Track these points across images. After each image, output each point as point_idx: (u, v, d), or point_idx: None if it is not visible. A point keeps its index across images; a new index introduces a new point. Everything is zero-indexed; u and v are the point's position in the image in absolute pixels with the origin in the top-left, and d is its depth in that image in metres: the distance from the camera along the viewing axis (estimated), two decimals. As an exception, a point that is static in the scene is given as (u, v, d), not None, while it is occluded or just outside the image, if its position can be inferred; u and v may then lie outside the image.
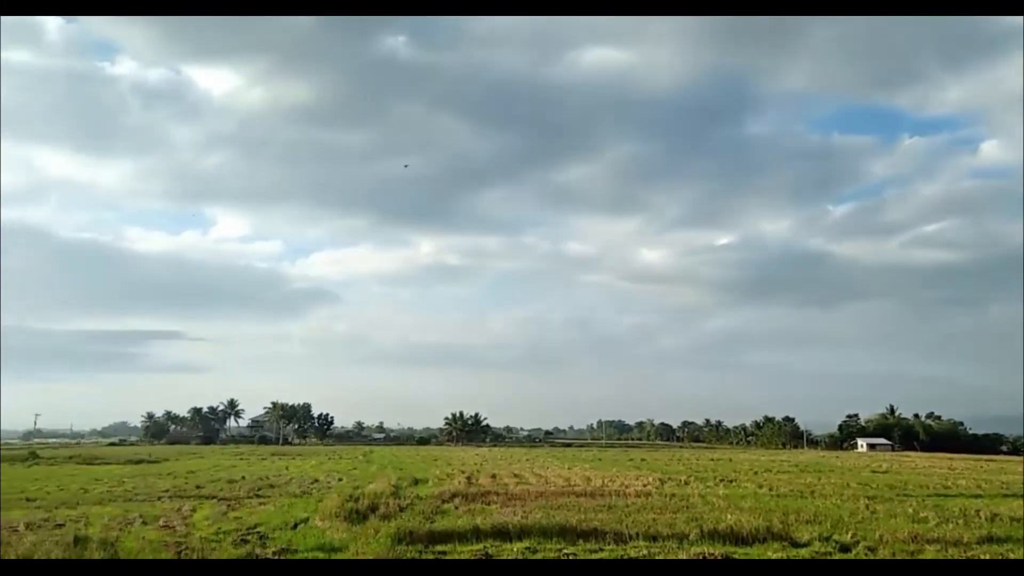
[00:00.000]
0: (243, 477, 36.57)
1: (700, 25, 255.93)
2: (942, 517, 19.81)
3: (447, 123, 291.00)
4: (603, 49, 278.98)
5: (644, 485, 30.15)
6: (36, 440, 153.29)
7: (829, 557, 13.94)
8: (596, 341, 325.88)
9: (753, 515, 19.02)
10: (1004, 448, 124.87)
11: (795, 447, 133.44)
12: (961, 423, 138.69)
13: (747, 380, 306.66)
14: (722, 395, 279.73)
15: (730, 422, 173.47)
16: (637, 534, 15.73)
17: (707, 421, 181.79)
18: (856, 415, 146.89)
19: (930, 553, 14.29)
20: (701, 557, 13.50)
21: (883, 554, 14.17)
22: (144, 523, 18.68)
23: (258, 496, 26.46)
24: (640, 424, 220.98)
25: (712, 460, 62.31)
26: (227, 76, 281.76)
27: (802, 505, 22.90)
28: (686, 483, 32.22)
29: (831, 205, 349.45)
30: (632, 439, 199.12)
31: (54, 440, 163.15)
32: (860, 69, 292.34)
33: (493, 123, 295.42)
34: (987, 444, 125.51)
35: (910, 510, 21.74)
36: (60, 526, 17.63)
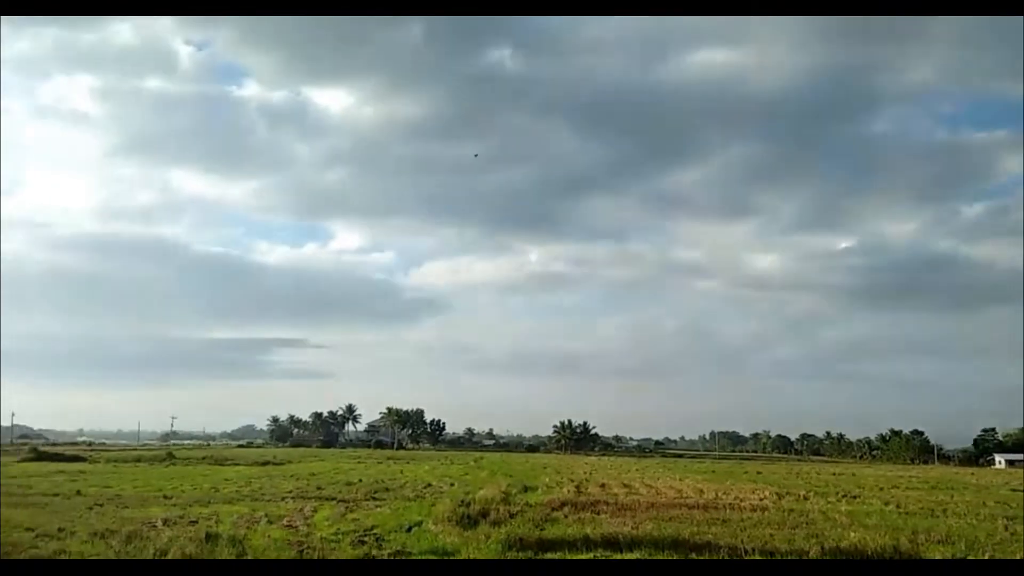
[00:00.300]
0: (360, 480, 37.87)
1: (811, 23, 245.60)
2: (1095, 542, 18.17)
3: (553, 131, 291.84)
4: (710, 51, 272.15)
5: (760, 499, 29.15)
6: (172, 442, 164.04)
7: (964, 581, 13.08)
8: (708, 350, 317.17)
9: (879, 533, 18.05)
10: None
11: (924, 462, 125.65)
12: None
13: (871, 391, 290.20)
14: (843, 407, 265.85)
15: (853, 435, 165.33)
16: (753, 549, 15.25)
17: (827, 434, 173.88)
18: (993, 429, 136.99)
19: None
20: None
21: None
22: (269, 522, 19.65)
23: (374, 499, 27.33)
24: (755, 436, 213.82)
25: (833, 475, 59.50)
26: (343, 95, 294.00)
27: (933, 524, 21.51)
28: (805, 498, 30.93)
29: (962, 205, 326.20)
30: (747, 451, 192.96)
31: (188, 442, 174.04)
32: (989, 59, 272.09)
33: (599, 129, 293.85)
34: None
35: (1057, 533, 20.05)
36: (193, 523, 18.78)
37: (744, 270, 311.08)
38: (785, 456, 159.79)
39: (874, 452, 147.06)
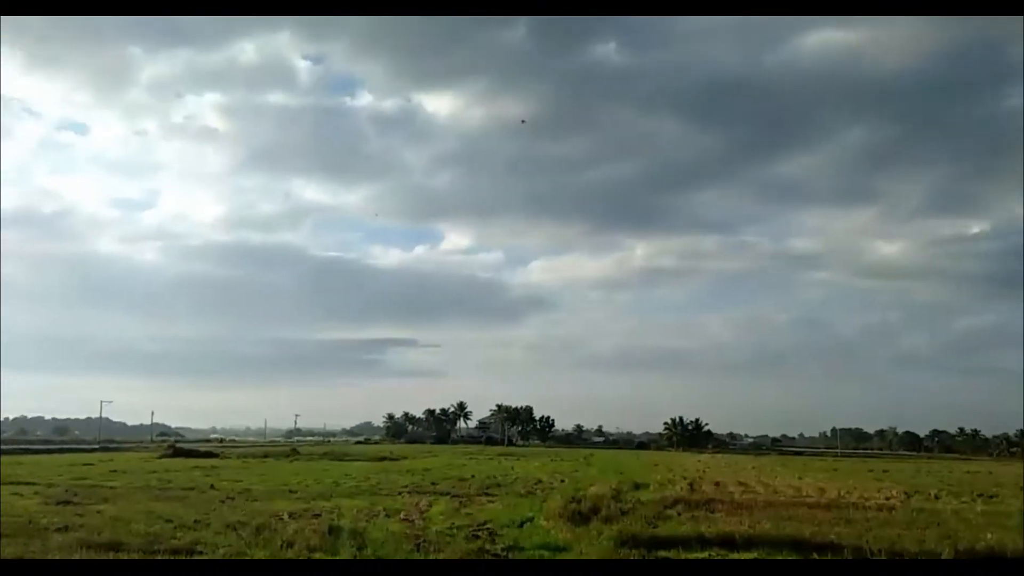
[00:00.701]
0: (472, 476, 38.58)
1: None
2: None
3: (658, 124, 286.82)
4: (824, 32, 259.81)
5: (887, 498, 27.74)
6: (296, 438, 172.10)
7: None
8: (827, 343, 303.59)
9: (1020, 535, 16.86)
10: None
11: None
12: None
13: (1008, 384, 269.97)
14: (978, 401, 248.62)
15: (988, 431, 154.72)
16: (880, 550, 14.57)
17: (960, 430, 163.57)
18: None
19: None
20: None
21: None
22: (387, 516, 20.33)
23: (487, 494, 27.79)
24: (881, 432, 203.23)
25: (967, 473, 55.88)
26: (450, 99, 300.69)
27: (1084, 528, 19.89)
28: (936, 497, 29.24)
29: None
30: (872, 449, 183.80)
31: (310, 438, 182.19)
32: None
33: (706, 120, 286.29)
34: None
35: None
36: (316, 516, 19.65)
37: (864, 259, 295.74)
38: (913, 454, 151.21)
39: (1013, 449, 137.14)
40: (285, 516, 19.47)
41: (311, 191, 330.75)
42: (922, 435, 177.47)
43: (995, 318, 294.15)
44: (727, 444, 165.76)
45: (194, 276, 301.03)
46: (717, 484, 33.92)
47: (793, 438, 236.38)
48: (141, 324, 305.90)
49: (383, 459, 58.22)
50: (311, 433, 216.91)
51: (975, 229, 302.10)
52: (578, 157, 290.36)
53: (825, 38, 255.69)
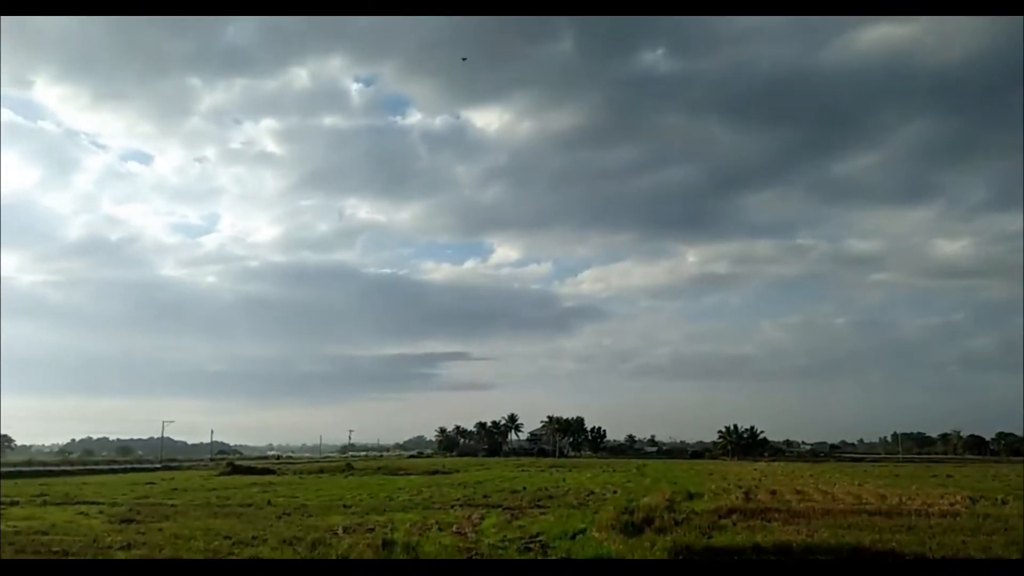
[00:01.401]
0: (524, 488, 38.55)
1: None
2: None
3: (709, 128, 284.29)
4: (880, 26, 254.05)
5: (951, 504, 26.87)
6: (350, 453, 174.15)
7: None
8: (887, 346, 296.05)
9: (1094, 542, 16.21)
10: None
11: None
12: None
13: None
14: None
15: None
16: (943, 557, 14.17)
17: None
18: None
19: None
20: None
21: None
22: (439, 529, 20.46)
23: (538, 506, 27.74)
24: (944, 436, 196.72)
25: (1038, 477, 53.74)
26: (499, 114, 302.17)
27: None
28: (1004, 502, 28.19)
29: None
30: (935, 453, 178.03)
31: (364, 453, 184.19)
32: None
33: (758, 122, 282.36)
34: None
35: None
36: (371, 530, 19.88)
37: (926, 258, 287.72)
38: (979, 457, 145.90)
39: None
40: (340, 531, 19.74)
41: (364, 210, 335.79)
42: (988, 438, 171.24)
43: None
44: (783, 452, 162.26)
45: (252, 297, 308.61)
46: (773, 493, 33.30)
47: (852, 444, 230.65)
48: (202, 346, 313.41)
49: (435, 472, 58.53)
50: (365, 448, 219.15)
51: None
52: (627, 165, 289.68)
53: (883, 32, 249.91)
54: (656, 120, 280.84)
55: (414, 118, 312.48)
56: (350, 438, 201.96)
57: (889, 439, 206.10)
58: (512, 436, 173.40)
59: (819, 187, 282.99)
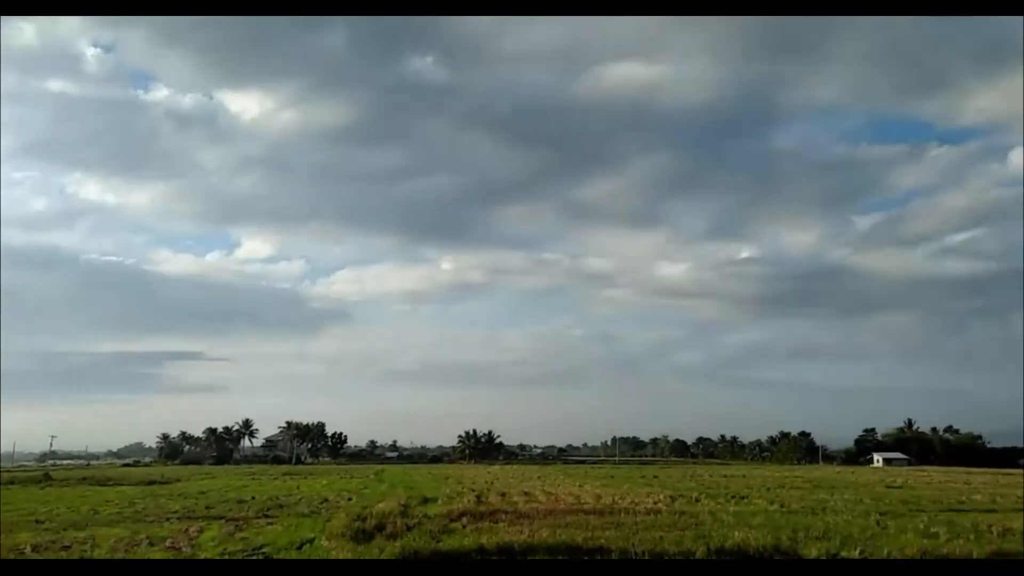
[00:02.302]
0: (253, 497, 36.60)
1: (726, 38, 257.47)
2: (953, 533, 19.55)
3: (471, 141, 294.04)
4: (628, 64, 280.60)
5: (655, 502, 29.91)
6: (51, 462, 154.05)
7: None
8: (614, 357, 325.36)
9: (762, 532, 18.85)
10: (1022, 462, 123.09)
11: (810, 462, 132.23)
12: (979, 436, 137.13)
13: (765, 395, 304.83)
14: (739, 410, 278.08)
15: (746, 438, 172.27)
16: (643, 552, 15.62)
17: (722, 437, 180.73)
18: (873, 430, 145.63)
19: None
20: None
21: (891, 571, 13.98)
22: (151, 544, 18.70)
23: (266, 516, 26.45)
24: (655, 441, 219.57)
25: (725, 476, 61.78)
26: (258, 100, 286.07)
27: (812, 522, 22.64)
28: (697, 500, 31.96)
29: (856, 216, 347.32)
30: (646, 456, 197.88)
31: (68, 462, 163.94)
32: (889, 78, 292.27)
33: (517, 140, 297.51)
34: (1005, 458, 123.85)
35: (921, 526, 21.45)
36: (66, 548, 17.68)
37: (652, 279, 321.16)
38: (682, 460, 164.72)
39: (764, 454, 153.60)
40: (27, 550, 17.31)
41: (91, 189, 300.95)
42: (690, 442, 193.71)
43: (759, 334, 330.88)
44: (517, 455, 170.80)
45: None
46: (503, 495, 34.79)
47: (578, 447, 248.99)
48: None
49: (152, 483, 53.66)
50: (70, 456, 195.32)
51: (745, 253, 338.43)
52: (391, 168, 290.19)
53: (627, 70, 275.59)
54: (422, 127, 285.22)
55: (160, 93, 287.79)
56: (51, 445, 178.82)
57: (609, 443, 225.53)
58: (245, 443, 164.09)
59: (566, 206, 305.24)
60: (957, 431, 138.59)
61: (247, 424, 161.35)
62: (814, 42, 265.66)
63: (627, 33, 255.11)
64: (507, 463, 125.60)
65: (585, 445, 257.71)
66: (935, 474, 70.74)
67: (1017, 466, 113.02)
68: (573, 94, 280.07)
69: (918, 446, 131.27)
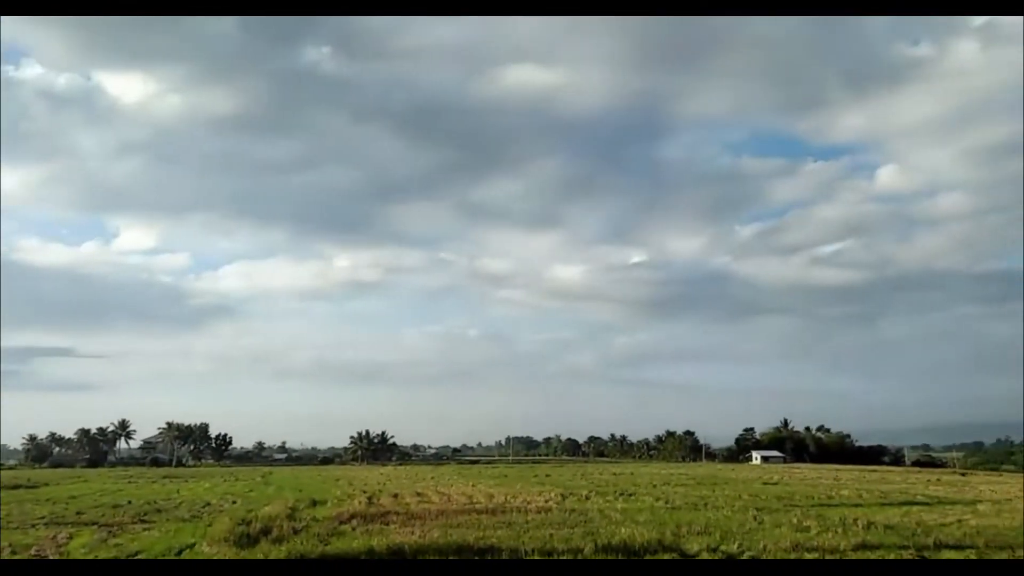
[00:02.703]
0: (129, 502, 34.75)
1: (620, 47, 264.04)
2: (823, 526, 20.76)
3: (369, 136, 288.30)
4: (528, 68, 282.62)
5: (546, 501, 30.35)
6: None
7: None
8: (509, 357, 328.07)
9: (647, 528, 19.46)
10: (886, 459, 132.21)
11: (694, 460, 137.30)
12: (848, 435, 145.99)
13: (653, 395, 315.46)
14: (629, 410, 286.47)
15: (635, 436, 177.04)
16: (532, 550, 15.81)
17: (612, 436, 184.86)
18: (752, 429, 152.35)
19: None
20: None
21: (765, 563, 14.68)
22: (14, 552, 17.49)
23: (143, 521, 25.19)
24: (548, 440, 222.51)
25: (614, 474, 63.34)
26: (142, 83, 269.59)
27: (695, 517, 23.55)
28: (587, 498, 32.62)
29: (738, 225, 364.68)
30: (540, 455, 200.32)
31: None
32: (770, 95, 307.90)
33: (416, 137, 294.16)
34: (871, 455, 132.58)
35: (794, 520, 22.69)
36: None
37: (547, 281, 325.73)
38: (574, 458, 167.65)
39: (651, 452, 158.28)
40: None
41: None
42: (581, 441, 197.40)
43: (647, 336, 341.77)
44: (411, 456, 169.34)
45: None
46: (395, 496, 34.46)
47: (472, 448, 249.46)
48: None
49: (17, 487, 50.04)
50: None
51: (636, 258, 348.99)
52: (284, 160, 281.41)
53: (527, 74, 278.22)
54: (317, 119, 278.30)
55: (32, 71, 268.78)
56: None
57: (503, 443, 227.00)
58: (122, 444, 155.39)
59: (464, 206, 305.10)
60: (828, 430, 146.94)
61: (123, 425, 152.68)
62: (703, 56, 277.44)
63: (526, 35, 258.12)
64: (400, 464, 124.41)
65: (480, 445, 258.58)
66: (808, 471, 74.90)
67: (881, 463, 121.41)
68: (473, 93, 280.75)
69: (793, 444, 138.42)
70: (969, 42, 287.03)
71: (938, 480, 55.77)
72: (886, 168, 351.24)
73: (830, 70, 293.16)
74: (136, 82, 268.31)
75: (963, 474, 76.39)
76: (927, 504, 31.06)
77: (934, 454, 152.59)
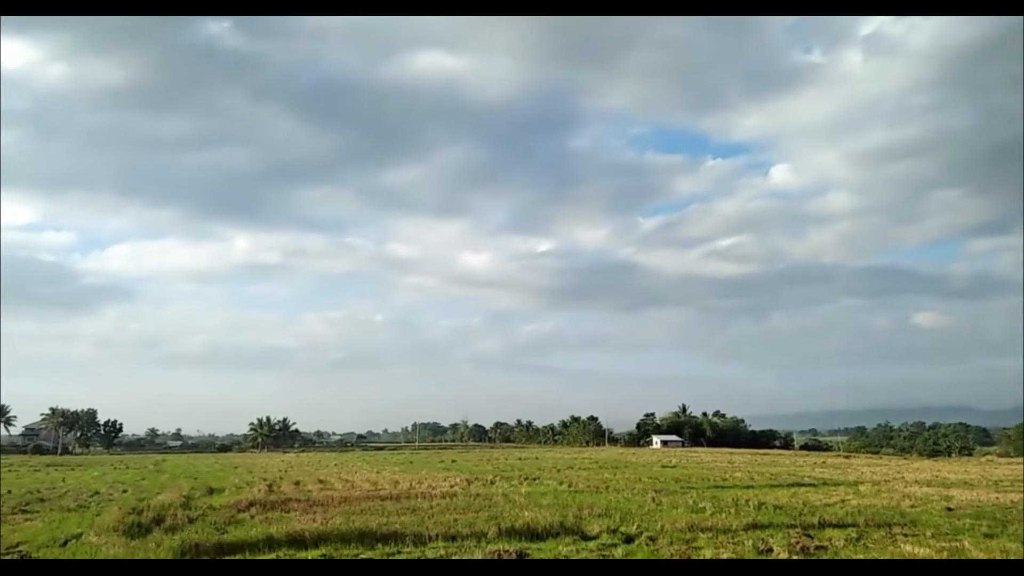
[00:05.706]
0: (9, 491, 32.74)
1: (525, 39, 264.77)
2: (717, 507, 21.64)
3: (270, 116, 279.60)
4: (435, 54, 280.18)
5: (451, 486, 30.42)
6: None
7: (614, 548, 14.69)
8: (416, 344, 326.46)
9: (550, 511, 19.77)
10: (777, 443, 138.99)
11: (598, 445, 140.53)
12: (742, 420, 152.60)
13: (558, 381, 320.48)
14: (535, 396, 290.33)
15: (540, 422, 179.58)
16: (437, 535, 15.80)
17: (518, 421, 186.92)
18: (652, 414, 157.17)
19: (703, 540, 15.48)
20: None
21: (662, 543, 15.14)
22: None
23: (24, 512, 23.79)
24: (454, 426, 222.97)
25: (520, 459, 64.10)
26: (22, 48, 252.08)
27: (596, 500, 24.11)
28: (492, 482, 32.88)
29: (641, 218, 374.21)
30: (447, 441, 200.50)
31: None
32: (674, 93, 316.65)
33: (319, 119, 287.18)
34: (763, 439, 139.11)
35: (690, 501, 23.56)
36: None
37: (455, 268, 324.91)
38: (480, 444, 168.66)
39: (556, 437, 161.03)
40: None
41: None
42: (488, 427, 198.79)
43: (553, 324, 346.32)
44: (314, 443, 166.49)
45: None
46: (297, 483, 33.78)
47: (378, 434, 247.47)
48: None
49: None
50: None
51: (543, 247, 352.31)
52: (179, 138, 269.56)
53: (434, 60, 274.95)
54: (215, 96, 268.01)
55: None
56: None
57: (410, 429, 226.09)
58: (1, 431, 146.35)
59: (370, 191, 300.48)
60: (724, 415, 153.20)
61: (2, 411, 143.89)
62: (610, 54, 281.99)
63: (435, 20, 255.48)
64: (303, 451, 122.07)
65: (385, 431, 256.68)
66: (704, 455, 77.89)
67: (773, 447, 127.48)
68: (379, 77, 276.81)
69: (691, 429, 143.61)
70: (855, 52, 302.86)
71: (824, 463, 59.05)
72: (779, 167, 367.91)
73: (731, 72, 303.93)
74: (15, 47, 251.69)
75: (847, 457, 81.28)
76: (813, 485, 32.81)
77: (821, 438, 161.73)
